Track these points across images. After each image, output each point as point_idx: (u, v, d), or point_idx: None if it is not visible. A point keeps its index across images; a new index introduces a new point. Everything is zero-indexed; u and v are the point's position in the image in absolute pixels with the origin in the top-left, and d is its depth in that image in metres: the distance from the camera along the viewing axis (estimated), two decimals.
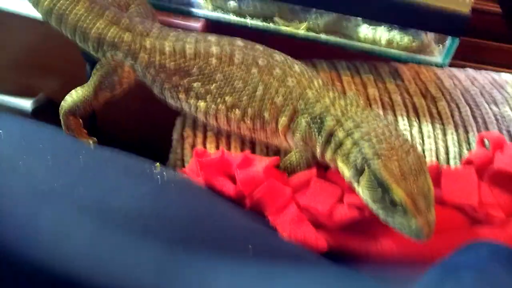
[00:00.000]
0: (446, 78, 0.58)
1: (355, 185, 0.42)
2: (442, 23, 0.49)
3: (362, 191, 0.41)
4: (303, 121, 0.45)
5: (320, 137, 0.44)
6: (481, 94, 0.56)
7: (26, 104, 0.66)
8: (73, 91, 0.51)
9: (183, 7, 0.56)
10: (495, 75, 0.61)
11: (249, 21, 0.55)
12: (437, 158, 0.50)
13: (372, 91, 0.54)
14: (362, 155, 0.40)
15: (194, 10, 0.56)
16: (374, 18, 0.51)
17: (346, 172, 0.42)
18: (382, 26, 0.53)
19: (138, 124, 0.66)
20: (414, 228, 0.38)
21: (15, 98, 0.65)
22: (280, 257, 0.38)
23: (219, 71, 0.47)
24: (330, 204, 0.42)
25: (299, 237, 0.42)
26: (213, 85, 0.47)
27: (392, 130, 0.41)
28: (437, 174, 0.47)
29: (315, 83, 0.46)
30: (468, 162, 0.48)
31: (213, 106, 0.47)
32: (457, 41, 0.50)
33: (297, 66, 0.47)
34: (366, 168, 0.40)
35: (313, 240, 0.42)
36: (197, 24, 0.55)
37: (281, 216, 0.43)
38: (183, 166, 0.52)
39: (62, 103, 0.51)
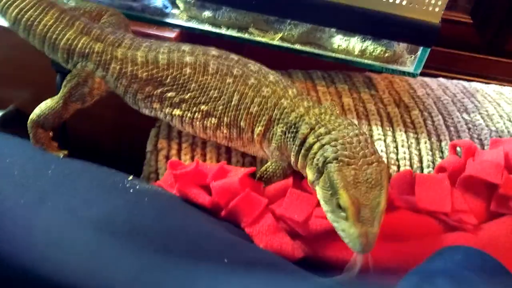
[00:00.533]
0: (419, 88, 0.59)
1: (316, 187, 0.41)
2: (413, 33, 0.50)
3: (318, 191, 0.41)
4: (278, 130, 0.45)
5: (294, 144, 0.44)
6: (453, 102, 0.57)
7: None
8: (42, 103, 0.50)
9: (158, 17, 0.55)
10: (465, 84, 0.63)
11: (224, 31, 0.55)
12: (411, 166, 0.51)
13: (347, 100, 0.55)
14: (323, 158, 0.40)
15: (168, 20, 0.55)
16: (347, 29, 0.52)
17: (310, 175, 0.42)
18: (356, 37, 0.53)
19: (111, 135, 0.64)
20: (353, 236, 0.37)
21: None
22: (256, 268, 0.37)
23: (194, 80, 0.46)
24: (306, 214, 0.42)
25: (276, 247, 0.42)
26: (188, 95, 0.46)
27: (361, 141, 0.41)
28: (410, 181, 0.48)
29: (290, 92, 0.46)
30: (441, 169, 0.49)
31: (188, 114, 0.47)
32: (427, 51, 0.51)
33: (272, 76, 0.47)
34: (324, 170, 0.40)
35: (289, 249, 0.41)
36: (172, 35, 0.54)
37: (257, 226, 0.43)
38: (158, 178, 0.51)
39: (31, 115, 0.50)
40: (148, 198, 0.42)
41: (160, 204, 0.43)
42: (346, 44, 0.53)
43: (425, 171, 0.51)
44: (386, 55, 0.53)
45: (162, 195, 0.45)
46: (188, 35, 0.55)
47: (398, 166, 0.51)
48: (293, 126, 0.44)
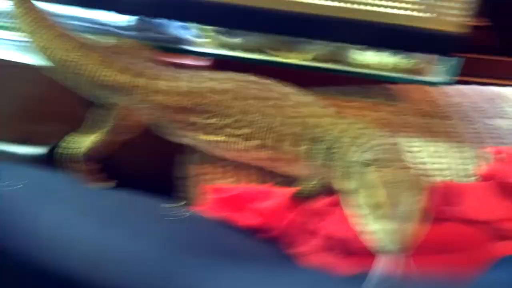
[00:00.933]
0: (453, 96, 0.59)
1: (352, 195, 0.41)
2: (440, 44, 0.51)
3: (354, 198, 0.41)
4: (322, 147, 0.45)
5: (337, 160, 0.45)
6: (473, 108, 0.57)
7: (29, 151, 0.66)
8: (86, 137, 0.52)
9: (189, 47, 0.57)
10: (483, 88, 0.62)
11: (254, 56, 0.57)
12: (454, 176, 0.51)
13: (376, 115, 0.55)
14: (363, 163, 0.41)
15: (199, 49, 0.57)
16: (377, 45, 0.53)
17: (348, 184, 0.42)
18: (386, 52, 0.54)
19: (147, 165, 0.66)
20: (389, 233, 0.37)
21: (17, 146, 0.65)
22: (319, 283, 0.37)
23: (235, 106, 0.47)
24: (355, 231, 0.42)
25: (328, 264, 0.42)
26: (230, 120, 0.48)
27: (398, 149, 0.43)
28: (456, 191, 0.47)
29: (329, 112, 0.47)
30: (487, 177, 0.48)
31: (230, 139, 0.48)
32: (456, 60, 0.52)
33: (310, 97, 0.48)
34: (362, 175, 0.40)
35: (343, 265, 0.41)
36: (204, 63, 0.56)
37: (307, 245, 0.43)
38: (198, 204, 0.52)
39: (77, 149, 0.52)
40: (192, 224, 0.43)
41: (205, 230, 0.44)
42: (377, 60, 0.54)
43: (467, 180, 0.51)
44: (415, 67, 0.54)
45: (209, 219, 0.46)
46: (220, 62, 0.57)
47: (440, 177, 0.51)
48: (336, 142, 0.44)
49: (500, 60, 1.13)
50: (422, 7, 0.48)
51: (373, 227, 0.38)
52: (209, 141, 0.49)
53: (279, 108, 0.47)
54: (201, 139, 0.50)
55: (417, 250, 0.43)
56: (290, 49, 0.56)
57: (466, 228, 0.45)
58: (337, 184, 0.45)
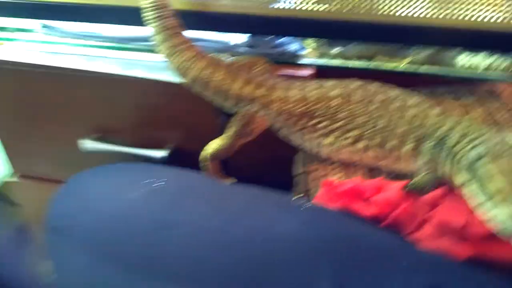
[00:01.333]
0: None
1: (466, 188, 0.45)
2: None
3: (469, 190, 0.45)
4: (427, 146, 0.50)
5: (445, 153, 0.49)
6: None
7: (157, 154, 0.76)
8: (213, 141, 0.60)
9: (294, 59, 0.64)
10: None
11: (355, 63, 0.62)
12: None
13: (481, 110, 0.59)
14: (477, 156, 0.44)
15: (303, 60, 0.64)
16: (475, 48, 0.57)
17: (461, 177, 0.46)
18: (481, 54, 0.58)
19: (259, 165, 0.73)
20: (508, 215, 0.40)
21: (147, 150, 0.75)
22: (434, 265, 0.42)
23: (342, 110, 0.53)
24: (466, 218, 0.47)
25: (442, 248, 0.46)
26: (338, 124, 0.54)
27: (509, 140, 0.45)
28: None
29: (434, 111, 0.51)
30: None
31: (338, 142, 0.54)
32: None
33: (415, 98, 0.52)
34: (477, 166, 0.44)
35: (457, 249, 0.46)
36: (310, 72, 0.62)
37: (421, 231, 0.48)
38: (315, 197, 0.58)
39: (205, 151, 0.60)
40: (319, 213, 0.50)
41: (331, 217, 0.50)
42: (472, 61, 0.58)
43: None
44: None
45: (327, 210, 0.52)
46: (323, 71, 0.63)
47: None
48: (444, 138, 0.49)
49: None
50: None
51: (493, 212, 0.42)
52: (320, 143, 0.56)
53: (385, 109, 0.52)
54: (313, 141, 0.56)
55: None
56: (387, 55, 0.61)
57: None
58: (447, 178, 0.50)
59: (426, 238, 0.47)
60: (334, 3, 0.56)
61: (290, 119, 0.56)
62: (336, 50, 0.63)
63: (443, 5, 0.53)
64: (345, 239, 0.46)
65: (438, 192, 0.50)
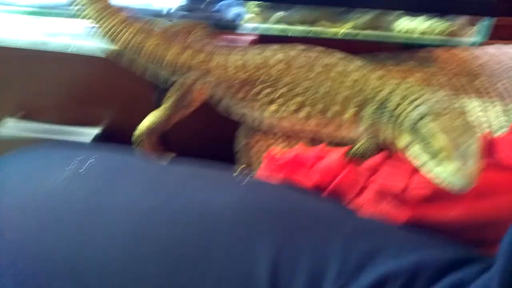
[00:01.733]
0: (481, 55, 0.63)
1: (410, 149, 0.46)
2: (477, 5, 0.54)
3: (412, 151, 0.45)
4: (370, 109, 0.50)
5: (386, 117, 0.49)
6: (501, 67, 0.61)
7: (89, 132, 0.71)
8: (150, 115, 0.56)
9: (234, 24, 0.61)
10: (507, 48, 0.65)
11: (298, 28, 0.60)
12: (485, 129, 0.55)
13: (419, 75, 0.59)
14: (419, 116, 0.45)
15: (245, 25, 0.61)
16: (414, 10, 0.56)
17: (405, 139, 0.47)
18: (421, 16, 0.57)
19: (199, 137, 0.71)
20: (452, 172, 0.41)
21: (77, 128, 0.70)
22: (374, 230, 0.42)
23: (287, 74, 0.52)
24: (405, 180, 0.47)
25: (382, 212, 0.47)
26: (280, 91, 0.52)
27: (449, 99, 0.46)
28: (490, 142, 0.52)
29: (377, 74, 0.51)
30: None
31: (283, 108, 0.52)
32: (491, 20, 0.55)
33: (358, 61, 0.52)
34: (419, 126, 0.45)
35: (395, 213, 0.46)
36: (250, 38, 0.60)
37: (360, 198, 0.48)
38: (257, 169, 0.57)
39: (140, 126, 0.57)
40: (261, 185, 0.48)
41: (273, 189, 0.49)
42: (413, 24, 0.58)
43: (499, 132, 0.55)
44: (451, 29, 0.57)
45: (269, 183, 0.51)
46: (266, 36, 0.61)
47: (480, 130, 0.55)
48: (385, 102, 0.49)
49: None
50: None
51: (437, 171, 0.43)
52: (263, 113, 0.54)
53: (327, 75, 0.51)
54: (255, 111, 0.54)
55: (459, 197, 0.48)
56: (330, 19, 0.60)
57: (502, 174, 0.49)
58: (389, 142, 0.50)
59: (366, 204, 0.48)
60: None
61: (231, 88, 0.53)
62: (278, 15, 0.60)
63: None
64: (285, 209, 0.45)
65: (378, 157, 0.50)
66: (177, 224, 0.44)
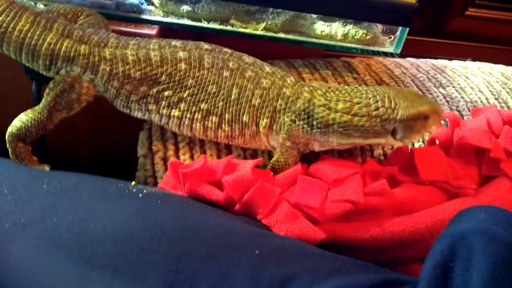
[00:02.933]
0: (395, 68, 0.62)
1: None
2: (392, 14, 0.52)
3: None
4: (287, 119, 0.44)
5: (314, 129, 0.44)
6: (428, 79, 0.61)
7: None
8: (21, 115, 0.46)
9: (134, 14, 0.52)
10: (433, 61, 0.66)
11: (205, 25, 0.54)
12: None
13: (333, 85, 0.56)
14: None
15: (145, 17, 0.53)
16: (329, 14, 0.53)
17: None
18: (337, 22, 0.54)
19: (91, 145, 0.60)
20: None
21: None
22: (289, 254, 0.37)
23: (190, 76, 0.44)
24: (321, 199, 0.42)
25: (296, 232, 0.41)
26: (186, 92, 0.45)
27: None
28: (408, 155, 0.50)
29: (289, 81, 0.46)
30: (432, 141, 0.51)
31: (187, 115, 0.45)
32: (406, 30, 0.54)
33: (268, 67, 0.46)
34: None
35: (310, 233, 0.41)
36: (151, 31, 0.52)
37: (274, 215, 0.42)
38: (156, 182, 0.49)
39: (9, 128, 0.45)
40: (160, 200, 0.40)
41: (174, 205, 0.41)
42: (329, 30, 0.54)
43: (416, 145, 0.54)
44: (368, 37, 0.54)
45: (172, 196, 0.43)
46: (168, 31, 0.53)
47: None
48: (303, 113, 0.44)
49: (420, 40, 1.21)
50: None
51: None
52: (162, 116, 0.46)
53: (237, 80, 0.45)
54: (154, 114, 0.46)
55: (376, 215, 0.45)
56: (241, 18, 0.54)
57: (421, 188, 0.47)
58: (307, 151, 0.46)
59: (280, 221, 0.42)
60: None
61: (126, 85, 0.44)
62: (183, 8, 0.53)
63: None
64: (186, 228, 0.37)
65: (293, 171, 0.45)
66: (48, 247, 0.35)
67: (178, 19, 0.54)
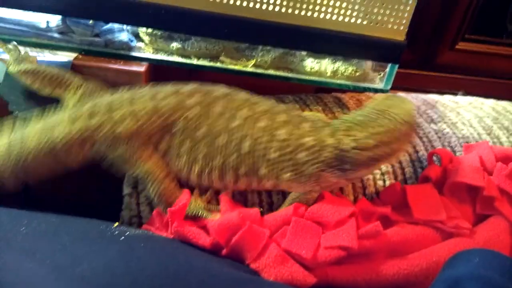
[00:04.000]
0: None
1: None
2: (382, 52, 0.52)
3: None
4: (315, 170, 0.42)
5: (348, 171, 0.43)
6: (419, 114, 0.60)
7: None
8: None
9: (123, 51, 0.52)
10: (424, 96, 0.66)
11: (195, 62, 0.53)
12: (396, 179, 0.52)
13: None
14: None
15: (135, 54, 0.53)
16: (320, 52, 0.53)
17: None
18: (326, 59, 0.54)
19: (76, 183, 0.58)
20: None
21: None
22: None
23: (202, 126, 0.42)
24: (313, 248, 0.41)
25: (286, 277, 0.40)
26: (193, 143, 0.42)
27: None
28: (401, 193, 0.49)
29: (307, 126, 0.43)
30: (425, 179, 0.51)
31: (206, 169, 0.43)
32: (395, 67, 0.54)
33: (283, 115, 0.44)
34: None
35: (300, 277, 0.39)
36: (141, 69, 0.51)
37: (263, 259, 0.41)
38: (141, 222, 0.47)
39: None
40: (143, 243, 0.39)
41: (158, 248, 0.39)
42: (318, 67, 0.54)
43: (409, 182, 0.53)
44: (357, 74, 0.54)
45: (156, 238, 0.41)
46: (158, 69, 0.53)
47: (384, 181, 0.52)
48: (333, 161, 0.42)
49: (412, 73, 1.22)
50: (365, 15, 0.49)
51: None
52: (183, 169, 0.44)
53: (249, 130, 0.42)
54: (176, 167, 0.44)
55: (370, 258, 0.43)
56: (231, 55, 0.54)
57: (415, 229, 0.46)
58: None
59: (269, 266, 0.40)
60: None
61: (138, 139, 0.42)
62: (174, 45, 0.53)
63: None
64: (171, 273, 0.36)
65: (284, 212, 0.44)
66: None
67: (168, 56, 0.53)
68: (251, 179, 0.43)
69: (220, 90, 0.44)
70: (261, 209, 0.46)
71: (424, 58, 1.19)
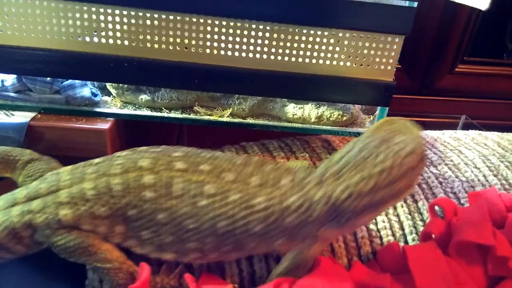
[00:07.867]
0: None
1: None
2: (370, 94, 0.47)
3: None
4: (310, 230, 0.37)
5: (346, 223, 0.37)
6: None
7: None
8: None
9: (86, 107, 0.48)
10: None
11: (166, 114, 0.49)
12: (394, 235, 0.46)
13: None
14: None
15: (100, 109, 0.48)
16: (301, 98, 0.48)
17: None
18: (310, 104, 0.50)
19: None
20: None
21: None
22: None
23: (159, 209, 0.36)
24: None
25: None
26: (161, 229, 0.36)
27: None
28: (400, 254, 0.43)
29: (287, 184, 0.37)
30: (426, 235, 0.45)
31: (183, 258, 0.38)
32: (386, 109, 0.49)
33: (257, 177, 0.37)
34: None
35: None
36: (106, 125, 0.47)
37: None
38: None
39: None
40: None
41: None
42: (301, 112, 0.50)
43: (409, 238, 0.47)
44: (344, 118, 0.50)
45: None
46: (125, 123, 0.49)
47: (381, 238, 0.46)
48: (327, 215, 0.36)
49: (411, 98, 1.18)
50: (349, 56, 0.45)
51: None
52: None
53: (223, 207, 0.36)
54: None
55: None
56: (206, 104, 0.50)
57: None
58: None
59: None
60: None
61: (99, 227, 0.37)
62: (143, 97, 0.49)
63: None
64: None
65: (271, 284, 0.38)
66: None
67: (136, 109, 0.49)
68: (238, 254, 0.38)
69: (179, 163, 0.37)
70: (236, 286, 0.40)
71: (423, 83, 1.15)
